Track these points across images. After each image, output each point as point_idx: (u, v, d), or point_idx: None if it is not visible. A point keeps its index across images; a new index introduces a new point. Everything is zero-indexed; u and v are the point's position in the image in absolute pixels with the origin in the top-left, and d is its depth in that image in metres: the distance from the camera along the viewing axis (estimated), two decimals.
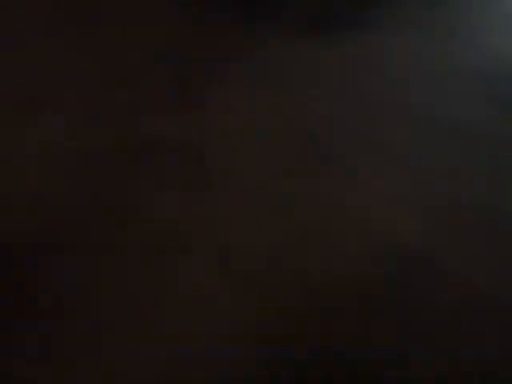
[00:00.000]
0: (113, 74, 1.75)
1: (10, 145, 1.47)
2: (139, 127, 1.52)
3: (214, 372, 0.96)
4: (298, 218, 1.26)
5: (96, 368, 0.98)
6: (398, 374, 0.97)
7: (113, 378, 0.95)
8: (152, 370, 0.99)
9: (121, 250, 1.20)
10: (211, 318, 1.07)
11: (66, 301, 1.11)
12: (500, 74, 1.81)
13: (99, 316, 1.08)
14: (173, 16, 2.09)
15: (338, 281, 1.14)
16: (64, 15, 2.07)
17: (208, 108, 1.58)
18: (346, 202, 1.30)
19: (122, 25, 2.03)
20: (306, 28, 2.00)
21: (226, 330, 1.05)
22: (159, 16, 2.10)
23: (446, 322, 1.08)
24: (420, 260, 1.19)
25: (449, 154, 1.46)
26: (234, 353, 1.02)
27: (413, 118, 1.58)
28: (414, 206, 1.31)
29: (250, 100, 1.61)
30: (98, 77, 1.74)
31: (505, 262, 1.18)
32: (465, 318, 1.09)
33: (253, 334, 1.05)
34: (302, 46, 1.89)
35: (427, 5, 2.26)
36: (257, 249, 1.19)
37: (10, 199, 1.30)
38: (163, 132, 1.49)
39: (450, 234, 1.25)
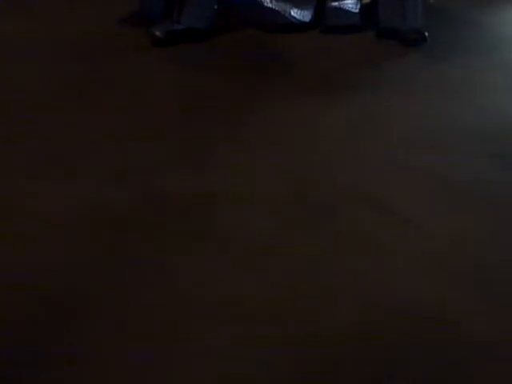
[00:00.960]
0: (122, 135, 1.79)
1: (21, 208, 1.48)
2: (149, 187, 1.55)
3: None
4: (299, 280, 1.26)
5: None
6: None
7: None
8: None
9: (132, 314, 1.20)
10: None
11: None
12: (501, 133, 1.80)
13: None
14: (178, 77, 2.14)
15: (337, 339, 1.14)
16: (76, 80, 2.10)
17: (213, 168, 1.62)
18: (347, 264, 1.31)
19: (134, 88, 2.06)
20: (306, 88, 2.02)
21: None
22: (168, 78, 2.13)
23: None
24: (419, 321, 1.18)
25: (449, 213, 1.47)
26: None
27: (413, 177, 1.58)
28: (415, 267, 1.31)
29: (255, 160, 1.64)
30: (108, 138, 1.77)
31: None
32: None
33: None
34: (303, 105, 1.91)
35: (427, 63, 2.24)
36: (263, 308, 1.20)
37: (16, 265, 1.30)
38: (172, 191, 1.52)
39: (451, 294, 1.25)
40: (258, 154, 1.67)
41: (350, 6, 2.48)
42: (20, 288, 1.25)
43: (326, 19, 2.50)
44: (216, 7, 2.43)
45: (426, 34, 2.39)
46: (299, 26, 2.52)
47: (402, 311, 1.22)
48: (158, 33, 2.33)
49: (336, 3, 2.47)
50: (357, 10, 2.49)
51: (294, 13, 2.50)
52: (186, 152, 1.70)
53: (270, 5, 2.50)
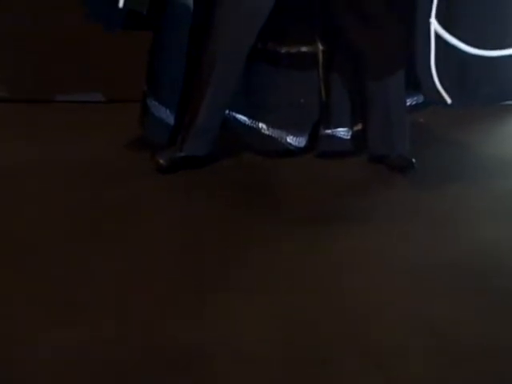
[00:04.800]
0: (124, 273, 1.85)
1: (19, 351, 1.52)
2: (149, 337, 1.59)
3: None
4: None
5: None
6: None
7: None
8: None
9: None
10: None
11: None
12: (488, 268, 1.86)
13: None
14: (180, 206, 2.26)
15: None
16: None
17: (213, 315, 1.67)
18: None
19: (135, 218, 2.17)
20: (297, 220, 2.13)
21: None
22: (170, 207, 2.26)
23: None
24: None
25: (431, 356, 1.52)
26: None
27: (397, 319, 1.64)
28: None
29: (254, 307, 1.70)
30: (109, 275, 1.84)
31: None
32: None
33: None
34: (300, 240, 2.01)
35: (415, 192, 2.37)
36: None
37: None
38: (172, 341, 1.57)
39: None
40: (257, 300, 1.73)
41: (342, 133, 2.65)
42: None
43: (319, 145, 2.66)
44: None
45: (414, 160, 2.54)
46: (294, 151, 2.68)
47: None
48: (161, 160, 2.48)
49: (329, 131, 2.64)
50: (349, 137, 2.66)
51: (290, 139, 2.67)
52: (186, 295, 1.76)
53: (267, 132, 2.67)
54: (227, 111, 2.61)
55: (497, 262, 1.91)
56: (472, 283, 1.80)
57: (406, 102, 2.59)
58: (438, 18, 2.13)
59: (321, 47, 2.62)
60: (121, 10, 2.29)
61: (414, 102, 2.68)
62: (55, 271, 1.87)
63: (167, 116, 2.55)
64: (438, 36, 2.15)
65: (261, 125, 2.67)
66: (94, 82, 3.57)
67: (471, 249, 1.98)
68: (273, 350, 1.55)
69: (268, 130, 2.66)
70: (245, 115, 2.67)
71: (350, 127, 2.65)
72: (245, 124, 2.68)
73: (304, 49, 2.65)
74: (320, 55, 2.62)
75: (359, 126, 2.65)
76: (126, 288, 1.80)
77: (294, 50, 2.65)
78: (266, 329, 1.62)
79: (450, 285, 1.80)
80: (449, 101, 2.13)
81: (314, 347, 1.57)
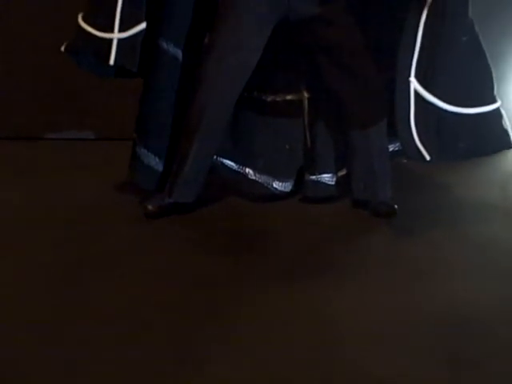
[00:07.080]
0: (118, 333, 1.83)
1: None
2: None
3: None
4: None
5: None
6: None
7: None
8: None
9: None
10: None
11: None
12: (457, 327, 1.86)
13: None
14: (167, 253, 2.28)
15: None
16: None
17: (188, 370, 1.67)
18: None
19: (123, 270, 2.19)
20: (281, 272, 2.18)
21: None
22: (158, 254, 2.29)
23: None
24: None
25: None
26: None
27: (362, 377, 1.64)
28: None
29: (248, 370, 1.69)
30: (101, 336, 1.81)
31: None
32: None
33: None
34: (284, 291, 2.05)
35: (396, 239, 2.42)
36: None
37: None
38: None
39: None
40: (233, 354, 1.74)
41: (327, 179, 2.72)
42: None
43: (305, 191, 2.73)
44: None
45: (396, 207, 2.61)
46: (280, 196, 2.75)
47: None
48: (150, 206, 2.55)
49: (314, 177, 2.71)
50: (333, 183, 2.73)
51: (276, 184, 2.74)
52: (179, 355, 1.75)
53: (253, 177, 2.74)
54: (215, 157, 2.68)
55: (465, 323, 1.89)
56: (440, 347, 1.77)
57: (388, 150, 2.67)
58: (417, 77, 2.22)
59: (306, 95, 2.70)
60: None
61: (396, 148, 2.76)
62: (40, 324, 1.86)
63: (156, 163, 2.62)
64: (417, 94, 2.23)
65: (248, 170, 2.74)
66: (83, 120, 3.64)
67: (445, 304, 1.98)
68: None
69: (255, 175, 2.74)
70: (232, 161, 2.75)
71: (335, 173, 2.72)
72: (232, 169, 2.75)
73: (289, 97, 2.73)
74: (305, 103, 2.71)
75: (343, 172, 2.72)
76: (121, 348, 1.77)
77: (279, 98, 2.73)
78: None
79: (416, 343, 1.77)
80: (427, 157, 2.20)
81: None
